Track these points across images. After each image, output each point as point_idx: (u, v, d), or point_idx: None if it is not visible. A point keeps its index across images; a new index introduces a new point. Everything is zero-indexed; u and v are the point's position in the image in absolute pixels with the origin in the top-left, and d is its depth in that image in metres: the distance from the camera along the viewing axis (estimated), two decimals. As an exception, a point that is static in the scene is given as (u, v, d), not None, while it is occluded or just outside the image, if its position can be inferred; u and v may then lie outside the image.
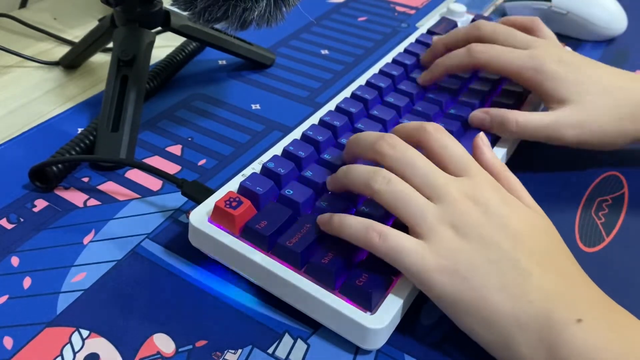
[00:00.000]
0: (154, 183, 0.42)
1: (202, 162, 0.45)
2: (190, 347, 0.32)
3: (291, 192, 0.36)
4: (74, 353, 0.31)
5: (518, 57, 0.42)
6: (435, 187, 0.31)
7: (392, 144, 0.33)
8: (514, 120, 0.41)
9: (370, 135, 0.34)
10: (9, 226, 0.38)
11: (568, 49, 0.45)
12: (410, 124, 0.35)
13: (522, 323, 0.28)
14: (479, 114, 0.42)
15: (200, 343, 0.32)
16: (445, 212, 0.30)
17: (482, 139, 0.36)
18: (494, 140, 0.43)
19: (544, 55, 0.41)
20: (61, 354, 0.31)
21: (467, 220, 0.30)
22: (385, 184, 0.31)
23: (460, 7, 0.58)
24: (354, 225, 0.31)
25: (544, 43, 0.43)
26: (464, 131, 0.43)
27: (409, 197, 0.31)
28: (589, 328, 0.27)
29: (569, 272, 0.30)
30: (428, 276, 0.29)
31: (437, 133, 0.34)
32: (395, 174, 0.32)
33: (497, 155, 0.41)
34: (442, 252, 0.29)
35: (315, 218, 0.34)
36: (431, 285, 0.29)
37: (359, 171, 0.33)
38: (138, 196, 0.41)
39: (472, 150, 0.36)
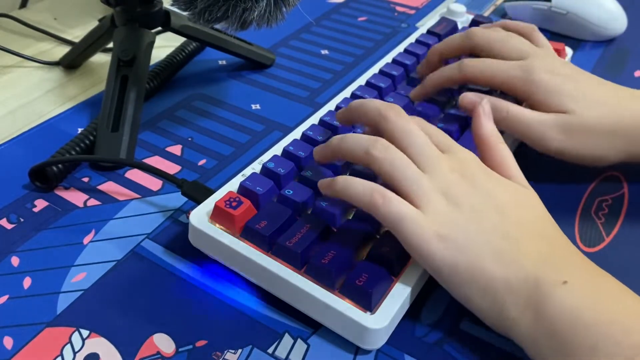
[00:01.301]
0: (154, 183, 0.42)
1: (202, 162, 0.45)
2: (190, 347, 0.32)
3: (291, 192, 0.36)
4: (74, 353, 0.31)
5: (508, 68, 0.41)
6: (428, 158, 0.33)
7: (398, 112, 0.34)
8: (505, 107, 0.40)
9: (377, 102, 0.35)
10: (9, 226, 0.38)
11: (564, 60, 0.44)
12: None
13: (513, 287, 0.29)
14: (471, 96, 0.41)
15: (200, 343, 0.32)
16: (438, 183, 0.32)
17: (484, 108, 0.37)
18: None
19: (536, 66, 0.41)
20: (61, 354, 0.31)
21: (457, 190, 0.32)
22: (384, 152, 0.32)
23: (460, 7, 0.58)
24: (359, 187, 0.32)
25: (539, 53, 0.42)
26: (463, 132, 0.43)
27: (405, 165, 0.32)
28: (573, 289, 0.28)
29: (555, 239, 0.32)
30: (427, 245, 0.30)
31: (420, 121, 0.35)
32: (394, 141, 0.33)
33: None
34: (439, 220, 0.31)
35: (315, 218, 0.34)
36: (429, 253, 0.30)
37: (358, 138, 0.34)
38: (138, 196, 0.41)
39: (473, 118, 0.37)
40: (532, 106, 0.41)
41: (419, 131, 0.34)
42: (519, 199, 0.33)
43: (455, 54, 0.46)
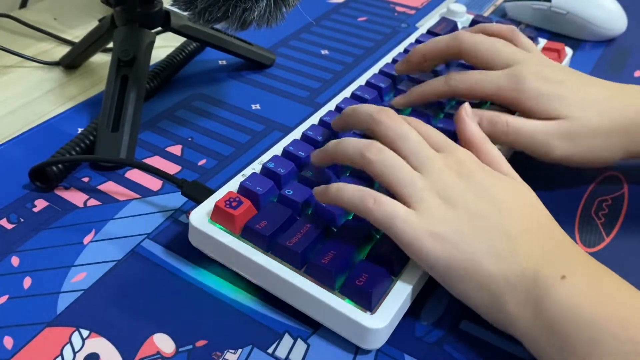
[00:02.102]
0: (154, 183, 0.42)
1: (202, 162, 0.45)
2: (190, 347, 0.32)
3: (291, 192, 0.36)
4: (74, 353, 0.31)
5: (496, 80, 0.40)
6: (423, 158, 0.33)
7: (390, 115, 0.35)
8: (504, 120, 0.39)
9: (369, 106, 0.36)
10: (9, 226, 0.38)
11: (553, 62, 0.43)
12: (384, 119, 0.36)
13: (511, 283, 0.29)
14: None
15: (200, 343, 0.32)
16: (432, 182, 0.32)
17: (466, 110, 0.37)
18: None
19: (524, 73, 0.40)
20: (61, 354, 0.31)
21: (453, 189, 0.32)
22: (378, 154, 0.33)
23: (460, 7, 0.58)
24: (351, 192, 0.32)
25: (527, 59, 0.41)
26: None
27: (399, 167, 0.32)
28: (572, 284, 0.28)
29: (553, 234, 0.32)
30: (420, 243, 0.30)
31: (416, 121, 0.35)
32: (387, 144, 0.34)
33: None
34: (432, 219, 0.31)
35: (315, 218, 0.34)
36: (423, 251, 0.30)
37: (353, 142, 0.34)
38: (138, 196, 0.41)
39: (456, 121, 0.37)
40: (524, 115, 0.40)
41: (412, 132, 0.34)
42: (517, 196, 0.33)
43: (439, 58, 0.44)
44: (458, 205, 0.31)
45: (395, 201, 0.31)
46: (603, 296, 0.28)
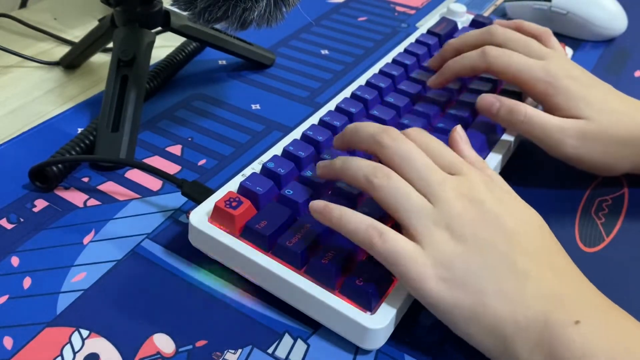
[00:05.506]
0: (154, 183, 0.42)
1: (202, 162, 0.45)
2: (190, 347, 0.32)
3: (291, 192, 0.36)
4: (74, 353, 0.31)
5: (532, 68, 0.41)
6: (431, 184, 0.31)
7: (393, 137, 0.33)
8: (523, 111, 0.40)
9: (371, 126, 0.34)
10: (9, 226, 0.38)
11: (581, 67, 0.44)
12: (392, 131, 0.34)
13: (521, 327, 0.28)
14: (489, 98, 0.41)
15: (200, 343, 0.32)
16: (441, 214, 0.30)
17: (459, 133, 0.36)
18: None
19: (558, 70, 0.41)
20: (61, 354, 0.31)
21: (462, 221, 0.30)
22: (385, 180, 0.31)
23: (460, 7, 0.58)
24: (355, 222, 0.31)
25: (558, 56, 0.42)
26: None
27: (407, 196, 0.31)
28: (586, 330, 0.27)
29: (565, 271, 0.30)
30: (423, 283, 0.29)
31: (421, 136, 0.34)
32: (392, 167, 0.32)
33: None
34: (438, 257, 0.29)
35: (315, 218, 0.34)
36: (427, 293, 0.29)
37: (359, 163, 0.32)
38: (138, 196, 0.41)
39: (450, 146, 0.36)
40: (548, 109, 0.41)
41: (419, 154, 0.32)
42: (527, 224, 0.31)
43: (472, 49, 0.44)
44: (467, 238, 0.29)
45: (400, 237, 0.30)
46: (619, 342, 0.27)
